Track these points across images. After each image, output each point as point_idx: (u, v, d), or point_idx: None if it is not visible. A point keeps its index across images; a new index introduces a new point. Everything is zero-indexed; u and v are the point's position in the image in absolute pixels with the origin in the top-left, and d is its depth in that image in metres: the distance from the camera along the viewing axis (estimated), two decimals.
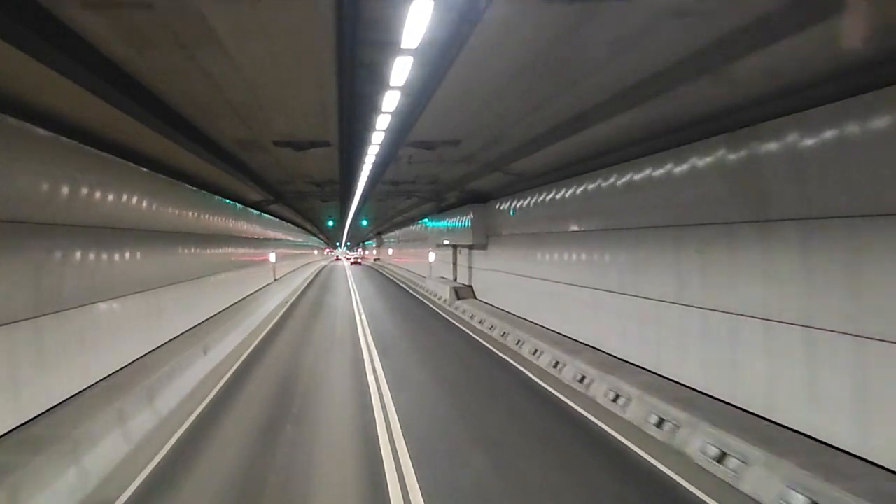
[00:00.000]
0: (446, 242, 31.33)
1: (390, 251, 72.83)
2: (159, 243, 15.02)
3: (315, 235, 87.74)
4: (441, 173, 21.16)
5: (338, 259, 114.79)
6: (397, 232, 61.11)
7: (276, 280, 38.15)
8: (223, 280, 22.52)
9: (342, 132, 13.22)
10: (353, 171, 18.99)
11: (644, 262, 12.55)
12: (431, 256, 38.78)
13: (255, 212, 30.76)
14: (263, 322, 22.88)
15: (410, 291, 37.74)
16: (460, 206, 27.05)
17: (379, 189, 25.75)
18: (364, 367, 14.90)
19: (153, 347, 13.90)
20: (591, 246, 15.29)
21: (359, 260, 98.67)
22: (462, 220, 26.55)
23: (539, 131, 13.16)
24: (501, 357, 16.30)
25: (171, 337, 15.27)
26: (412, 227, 48.51)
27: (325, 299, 33.28)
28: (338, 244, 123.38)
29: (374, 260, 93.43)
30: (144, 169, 13.40)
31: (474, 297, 26.79)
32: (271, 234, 38.81)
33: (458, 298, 26.75)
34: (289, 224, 48.27)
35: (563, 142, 12.98)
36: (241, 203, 26.71)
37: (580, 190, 15.62)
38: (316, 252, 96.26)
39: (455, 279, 31.12)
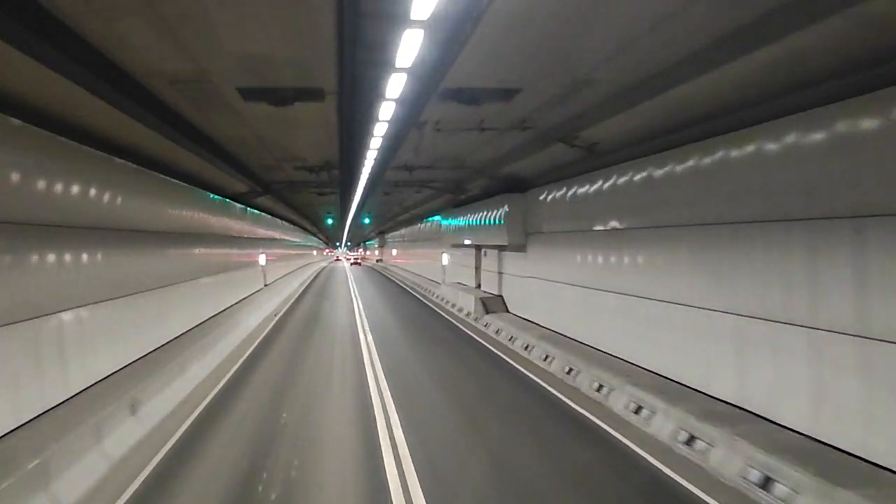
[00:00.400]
0: (467, 242, 26.25)
1: (394, 252, 67.72)
2: (75, 243, 9.96)
3: (314, 235, 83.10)
4: (472, 153, 16.10)
5: (338, 259, 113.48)
6: (403, 231, 55.96)
7: (266, 286, 33.13)
8: (192, 291, 17.45)
9: (342, 74, 8.24)
10: (358, 148, 13.87)
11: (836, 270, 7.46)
12: (445, 259, 33.69)
13: (239, 206, 25.74)
14: (238, 349, 17.67)
15: (422, 300, 32.61)
16: (488, 197, 21.94)
17: (388, 178, 20.73)
18: (377, 440, 9.66)
19: (43, 409, 8.79)
20: (706, 246, 10.15)
21: (358, 260, 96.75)
22: (491, 216, 21.44)
23: (636, 78, 8.47)
24: (582, 415, 10.88)
25: (85, 385, 10.14)
26: (421, 226, 43.39)
27: (323, 311, 28.16)
28: (338, 244, 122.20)
29: (377, 261, 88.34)
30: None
31: (507, 311, 21.68)
32: (261, 232, 33.78)
33: (487, 312, 21.64)
34: (283, 222, 43.22)
35: (675, 91, 8.28)
36: (221, 195, 21.67)
37: (685, 168, 10.52)
38: (315, 253, 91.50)
39: (478, 286, 26.07)
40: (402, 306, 29.83)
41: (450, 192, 25.44)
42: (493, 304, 21.95)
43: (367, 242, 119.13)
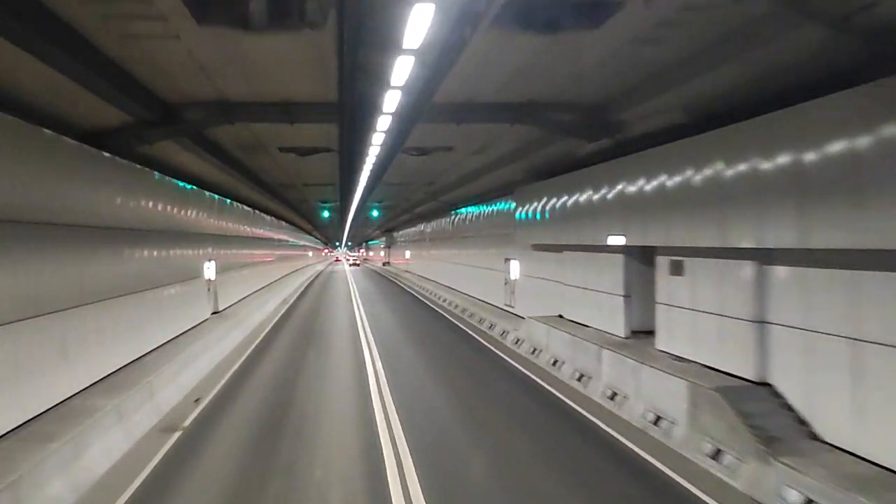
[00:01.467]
0: (614, 242, 12.41)
1: (408, 254, 53.62)
2: None
3: (309, 234, 69.41)
4: None
5: (338, 260, 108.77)
6: (425, 227, 41.87)
7: (217, 313, 19.56)
8: None
9: None
10: None
11: None
12: (514, 269, 19.94)
13: (157, 175, 12.19)
14: None
15: (497, 355, 18.17)
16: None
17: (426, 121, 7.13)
18: None
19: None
20: None
21: (357, 262, 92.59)
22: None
23: None
24: None
25: None
26: (461, 217, 29.43)
27: (311, 377, 14.19)
28: (337, 244, 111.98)
29: (383, 264, 74.45)
30: None
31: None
32: (212, 223, 20.26)
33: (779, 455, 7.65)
34: (257, 213, 29.36)
35: None
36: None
37: None
38: (311, 254, 77.75)
39: (625, 333, 12.35)
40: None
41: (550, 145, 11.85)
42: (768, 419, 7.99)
43: (370, 243, 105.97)
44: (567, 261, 15.68)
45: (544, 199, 16.39)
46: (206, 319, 18.72)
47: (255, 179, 21.07)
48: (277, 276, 37.29)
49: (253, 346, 17.68)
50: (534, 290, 18.40)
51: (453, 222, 31.38)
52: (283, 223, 42.48)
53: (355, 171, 17.12)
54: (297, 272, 49.05)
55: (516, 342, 16.86)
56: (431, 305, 28.58)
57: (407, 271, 51.67)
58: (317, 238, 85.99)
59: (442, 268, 35.02)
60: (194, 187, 17.84)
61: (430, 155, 16.37)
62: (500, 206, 21.70)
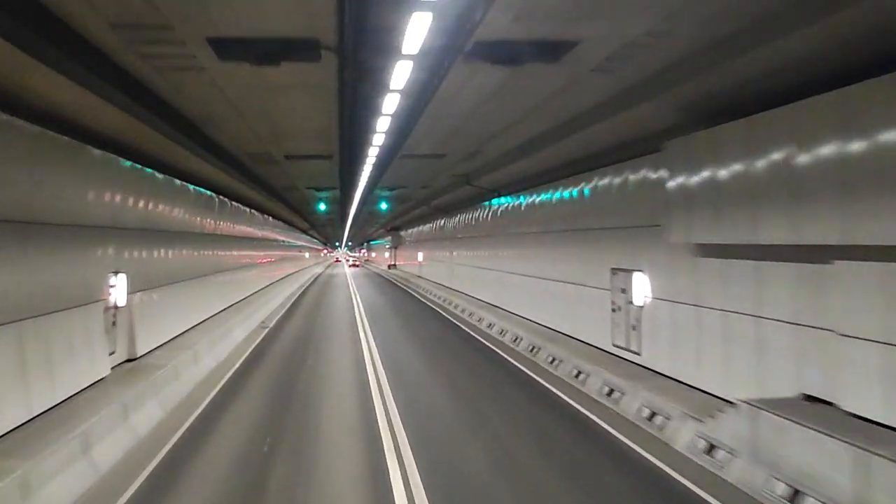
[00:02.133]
0: None
1: (420, 256, 45.14)
2: None
3: (305, 233, 61.43)
4: None
5: (338, 261, 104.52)
6: (448, 223, 33.32)
7: (132, 362, 11.02)
8: None
9: None
10: None
11: None
12: (639, 287, 11.65)
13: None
14: None
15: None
16: None
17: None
18: None
19: None
20: None
21: (357, 263, 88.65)
22: None
23: None
24: None
25: None
26: (524, 204, 20.97)
27: None
28: (337, 244, 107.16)
29: (388, 266, 65.96)
30: None
31: None
32: (125, 209, 11.74)
33: None
34: (222, 201, 21.09)
35: None
36: None
37: None
38: (307, 255, 69.62)
39: None
40: None
41: None
42: None
43: (372, 242, 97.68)
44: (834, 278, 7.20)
45: (746, 159, 8.00)
46: (100, 381, 10.33)
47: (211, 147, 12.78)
48: (257, 288, 28.82)
49: (172, 447, 9.10)
50: (692, 327, 9.94)
51: (496, 213, 22.94)
52: (270, 218, 34.14)
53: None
54: (287, 279, 40.57)
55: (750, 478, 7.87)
56: (475, 335, 19.90)
57: (419, 276, 43.19)
58: (314, 238, 78.07)
59: (475, 276, 26.52)
60: (75, 140, 9.55)
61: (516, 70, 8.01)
62: (606, 181, 13.23)
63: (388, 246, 69.69)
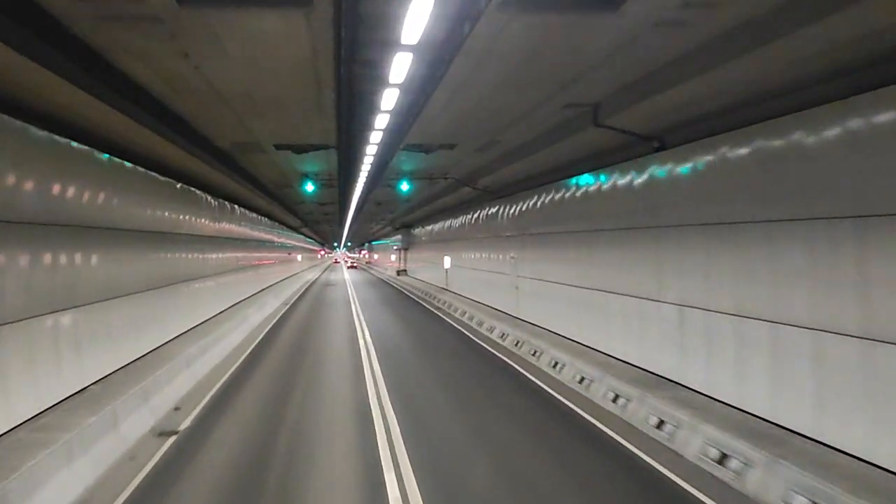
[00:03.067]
0: None
1: (448, 261, 34.70)
2: None
3: (296, 230, 52.24)
4: None
5: (337, 262, 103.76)
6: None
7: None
8: None
9: None
10: None
11: None
12: None
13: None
14: None
15: None
16: None
17: None
18: None
19: None
20: None
21: (355, 264, 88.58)
22: None
23: None
24: None
25: None
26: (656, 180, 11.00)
27: None
28: (336, 245, 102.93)
29: (397, 272, 56.20)
30: None
31: None
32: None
33: None
34: (190, 191, 11.25)
35: None
36: None
37: None
38: (300, 258, 60.25)
39: None
40: None
41: None
42: None
43: (374, 243, 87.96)
44: None
45: None
46: None
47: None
48: (227, 305, 19.31)
49: None
50: None
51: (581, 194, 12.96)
52: (253, 214, 24.66)
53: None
54: (268, 290, 30.79)
55: None
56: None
57: (445, 289, 33.15)
58: (310, 237, 68.74)
59: (580, 302, 16.32)
60: None
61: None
62: None
63: (395, 247, 59.66)
